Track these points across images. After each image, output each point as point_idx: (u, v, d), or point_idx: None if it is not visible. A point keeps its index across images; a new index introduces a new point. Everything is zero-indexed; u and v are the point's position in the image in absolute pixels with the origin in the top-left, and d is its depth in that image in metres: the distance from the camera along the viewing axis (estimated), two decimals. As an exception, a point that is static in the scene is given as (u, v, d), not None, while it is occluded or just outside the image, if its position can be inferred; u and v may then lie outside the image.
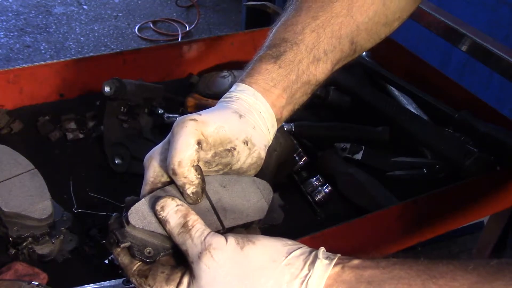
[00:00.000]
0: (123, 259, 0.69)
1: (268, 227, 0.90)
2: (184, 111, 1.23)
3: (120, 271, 0.89)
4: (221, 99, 0.75)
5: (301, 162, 1.13)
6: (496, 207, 1.15)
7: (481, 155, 1.10)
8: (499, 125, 1.16)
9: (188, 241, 0.64)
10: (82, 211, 1.01)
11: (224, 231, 0.68)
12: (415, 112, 1.27)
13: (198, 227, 0.64)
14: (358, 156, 1.15)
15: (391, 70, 1.36)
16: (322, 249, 0.59)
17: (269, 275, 0.58)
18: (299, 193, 1.10)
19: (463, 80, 1.36)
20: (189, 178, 0.67)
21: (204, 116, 0.69)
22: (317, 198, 1.08)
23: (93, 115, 1.24)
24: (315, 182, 1.09)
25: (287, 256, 0.59)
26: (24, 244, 0.90)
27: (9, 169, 0.96)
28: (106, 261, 0.92)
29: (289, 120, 1.19)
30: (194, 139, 0.67)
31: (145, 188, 0.71)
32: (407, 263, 0.55)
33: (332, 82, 1.34)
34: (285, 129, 1.15)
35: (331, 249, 0.59)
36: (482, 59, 1.23)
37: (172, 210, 0.66)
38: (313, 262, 0.57)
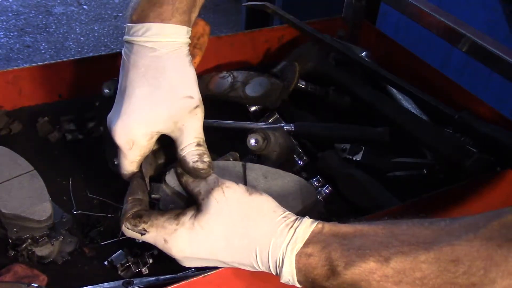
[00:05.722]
0: (126, 206, 0.78)
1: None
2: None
3: (120, 272, 0.89)
4: (161, 48, 0.81)
5: (301, 163, 1.13)
6: (496, 208, 1.14)
7: (481, 156, 1.10)
8: (499, 126, 1.16)
9: (202, 183, 0.73)
10: (81, 213, 1.01)
11: None
12: (415, 112, 1.27)
13: (212, 174, 0.75)
14: (358, 157, 1.15)
15: (391, 70, 1.35)
16: (307, 217, 0.71)
17: (268, 221, 0.68)
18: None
19: (463, 80, 1.36)
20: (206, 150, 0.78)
21: (197, 96, 0.80)
22: (317, 199, 1.07)
23: (92, 116, 1.23)
24: (315, 183, 1.08)
25: (284, 211, 0.70)
26: (24, 245, 0.90)
27: (8, 171, 0.96)
28: (106, 263, 0.91)
29: (289, 121, 1.19)
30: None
31: (132, 165, 0.84)
32: (375, 224, 0.67)
33: (332, 82, 1.34)
34: (285, 129, 1.15)
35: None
36: (482, 60, 1.23)
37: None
38: (301, 219, 0.69)
